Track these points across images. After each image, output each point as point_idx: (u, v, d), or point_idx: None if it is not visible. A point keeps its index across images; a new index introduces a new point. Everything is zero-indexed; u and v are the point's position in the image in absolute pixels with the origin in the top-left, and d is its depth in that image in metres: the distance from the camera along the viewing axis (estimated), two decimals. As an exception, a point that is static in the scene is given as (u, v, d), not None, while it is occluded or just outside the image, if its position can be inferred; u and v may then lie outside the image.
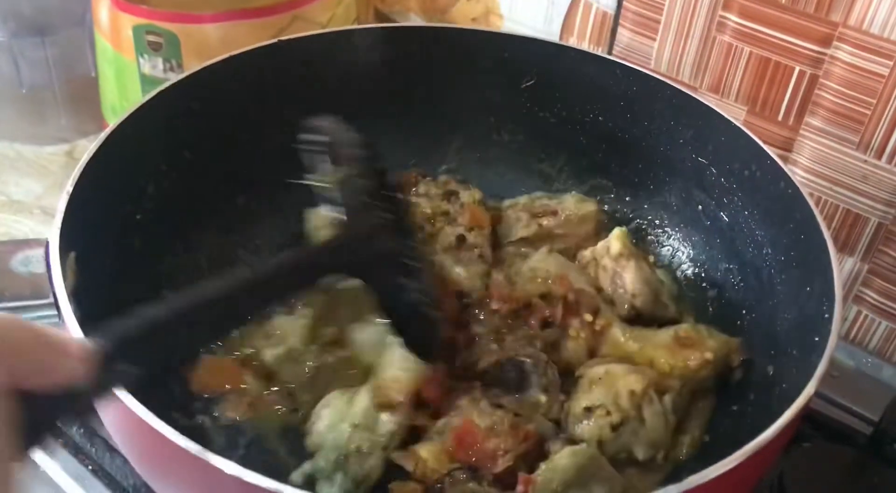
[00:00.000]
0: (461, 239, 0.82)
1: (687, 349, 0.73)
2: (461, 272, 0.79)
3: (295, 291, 0.65)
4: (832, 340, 0.59)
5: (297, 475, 0.63)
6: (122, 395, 0.51)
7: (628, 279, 0.78)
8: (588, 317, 0.75)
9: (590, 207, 0.88)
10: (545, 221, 0.86)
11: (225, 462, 0.48)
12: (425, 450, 0.63)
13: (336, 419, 0.64)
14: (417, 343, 0.69)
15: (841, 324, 0.61)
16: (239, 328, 0.70)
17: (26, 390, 0.40)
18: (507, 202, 0.90)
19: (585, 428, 0.68)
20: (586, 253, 0.84)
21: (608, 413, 0.67)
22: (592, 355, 0.75)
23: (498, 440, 0.62)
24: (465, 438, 0.61)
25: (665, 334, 0.76)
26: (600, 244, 0.82)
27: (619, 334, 0.75)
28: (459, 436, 0.62)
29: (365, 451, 0.62)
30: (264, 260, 0.68)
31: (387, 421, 0.64)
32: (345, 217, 0.65)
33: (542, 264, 0.79)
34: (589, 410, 0.68)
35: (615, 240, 0.80)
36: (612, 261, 0.79)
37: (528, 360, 0.70)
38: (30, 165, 1.18)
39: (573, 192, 0.90)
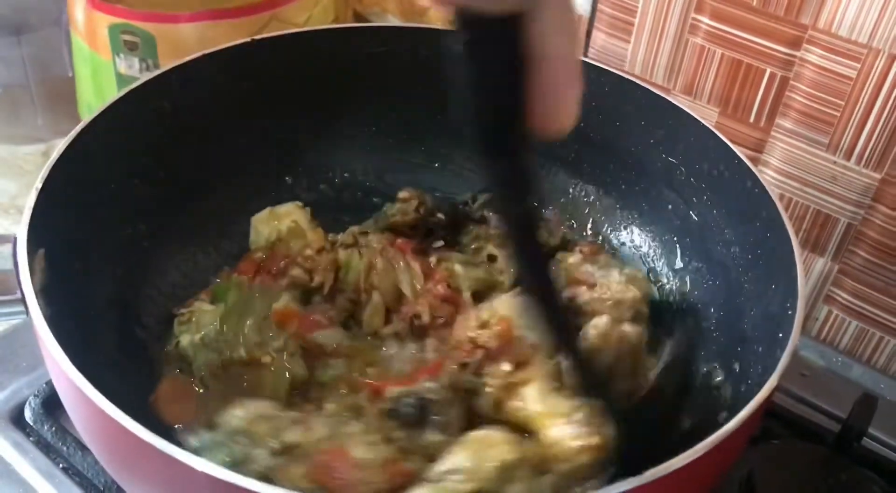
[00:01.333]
0: None
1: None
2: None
3: None
4: (795, 334, 0.60)
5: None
6: (89, 391, 0.51)
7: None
8: (506, 366, 0.68)
9: (635, 292, 0.79)
10: (581, 295, 0.78)
11: (193, 458, 0.48)
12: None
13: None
14: None
15: (804, 318, 0.62)
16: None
17: None
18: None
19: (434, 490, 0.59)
20: None
21: (463, 481, 0.58)
22: (499, 409, 0.68)
23: (363, 474, 0.59)
24: (331, 464, 0.59)
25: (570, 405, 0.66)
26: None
27: (533, 394, 0.66)
28: (325, 462, 0.59)
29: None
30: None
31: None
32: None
33: (498, 304, 0.73)
34: (447, 472, 0.59)
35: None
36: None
37: (432, 397, 0.66)
38: (5, 164, 1.18)
39: (624, 270, 0.83)
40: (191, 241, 0.81)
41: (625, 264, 0.86)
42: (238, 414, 0.61)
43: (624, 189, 0.90)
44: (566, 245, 0.88)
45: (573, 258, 0.83)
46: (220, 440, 0.59)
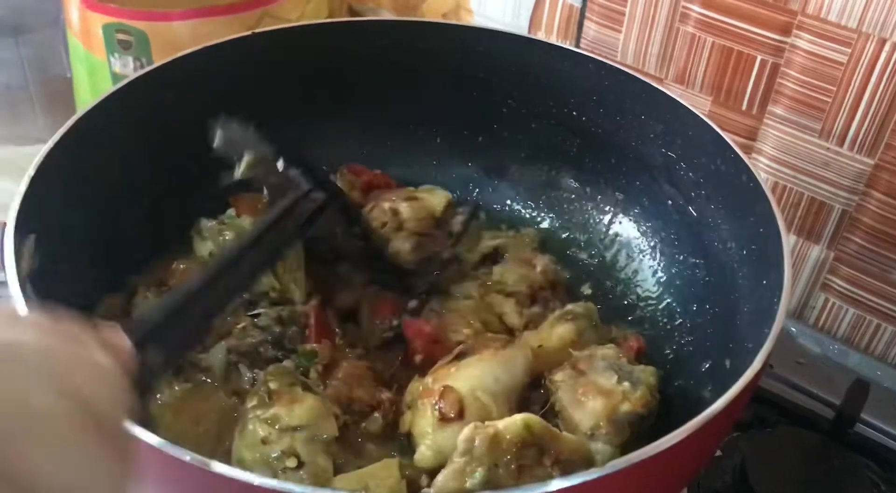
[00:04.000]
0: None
1: None
2: None
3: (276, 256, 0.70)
4: (777, 325, 0.60)
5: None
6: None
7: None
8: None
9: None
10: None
11: (181, 451, 0.48)
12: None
13: None
14: (390, 281, 0.78)
15: (790, 299, 0.62)
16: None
17: None
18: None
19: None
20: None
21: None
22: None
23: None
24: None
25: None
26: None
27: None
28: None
29: None
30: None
31: None
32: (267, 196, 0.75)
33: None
34: None
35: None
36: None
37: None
38: (5, 165, 1.18)
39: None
40: (183, 233, 0.81)
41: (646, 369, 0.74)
42: None
43: (624, 183, 0.90)
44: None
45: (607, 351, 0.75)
46: None
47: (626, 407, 0.68)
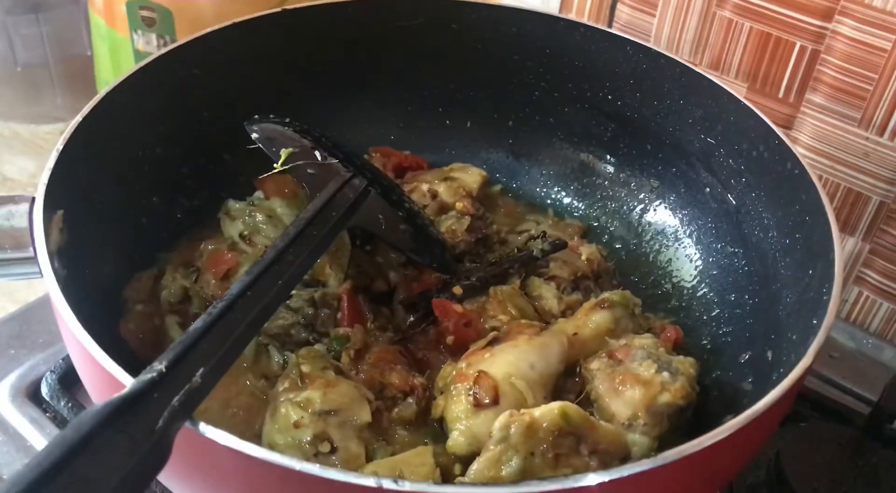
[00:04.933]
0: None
1: None
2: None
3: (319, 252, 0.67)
4: (829, 319, 0.58)
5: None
6: (102, 358, 0.50)
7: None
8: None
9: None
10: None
11: (207, 428, 0.47)
12: None
13: None
14: (434, 263, 0.76)
15: (839, 303, 0.60)
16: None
17: None
18: None
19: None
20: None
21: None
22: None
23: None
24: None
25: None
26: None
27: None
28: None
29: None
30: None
31: None
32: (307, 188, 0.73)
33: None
34: None
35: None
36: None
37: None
38: (25, 143, 1.18)
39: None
40: (212, 213, 0.80)
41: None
42: None
43: (661, 170, 0.88)
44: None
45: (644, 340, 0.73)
46: None
47: (665, 398, 0.66)
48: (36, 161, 1.15)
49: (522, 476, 0.59)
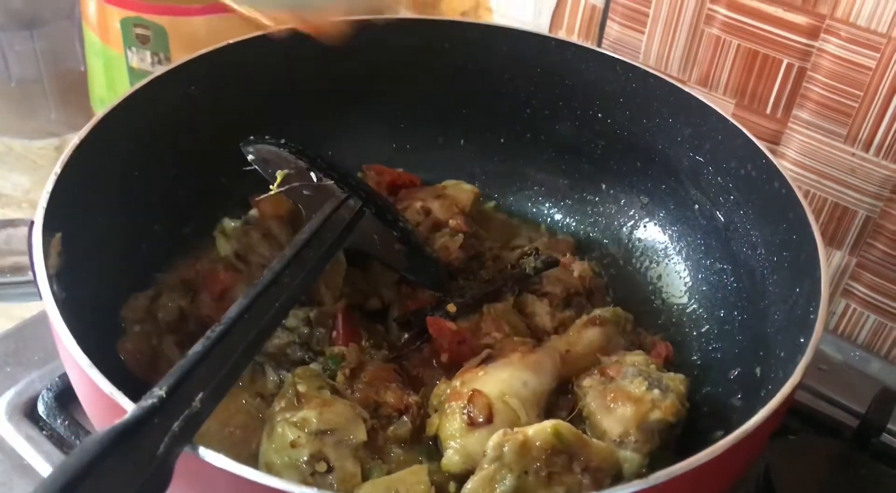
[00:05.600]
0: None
1: None
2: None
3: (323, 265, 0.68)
4: (815, 337, 0.59)
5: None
6: (99, 379, 0.51)
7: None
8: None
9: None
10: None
11: (208, 453, 0.48)
12: None
13: None
14: (429, 281, 0.77)
15: (826, 321, 0.61)
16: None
17: None
18: None
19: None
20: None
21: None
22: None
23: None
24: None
25: None
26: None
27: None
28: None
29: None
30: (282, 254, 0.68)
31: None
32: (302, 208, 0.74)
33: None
34: None
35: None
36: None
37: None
38: (18, 159, 1.18)
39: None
40: (207, 232, 0.81)
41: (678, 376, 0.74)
42: None
43: (650, 187, 0.89)
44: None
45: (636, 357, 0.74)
46: None
47: (656, 415, 0.67)
48: (30, 177, 1.15)
49: None
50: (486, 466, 0.61)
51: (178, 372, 0.49)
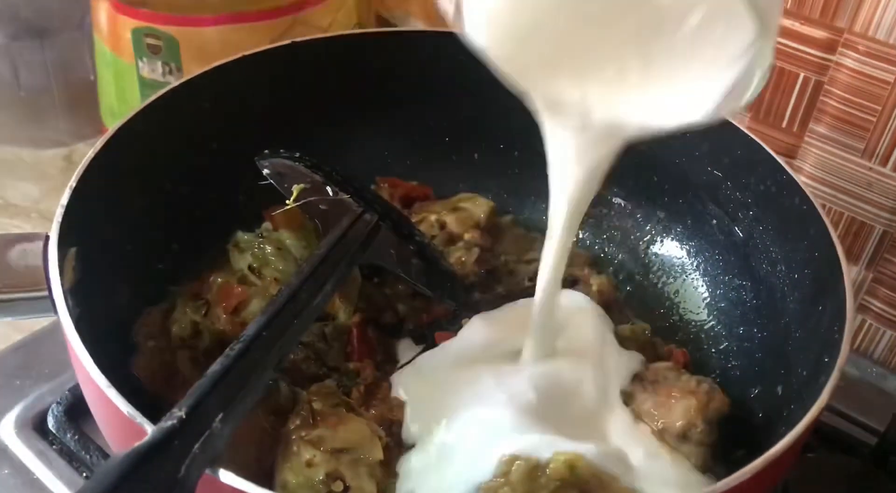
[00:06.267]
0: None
1: None
2: None
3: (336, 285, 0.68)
4: (842, 358, 0.58)
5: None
6: (115, 397, 0.50)
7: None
8: None
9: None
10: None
11: (234, 478, 0.47)
12: None
13: None
14: (445, 295, 0.77)
15: (851, 341, 0.60)
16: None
17: None
18: None
19: None
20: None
21: None
22: None
23: None
24: None
25: None
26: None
27: None
28: None
29: None
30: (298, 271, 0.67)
31: None
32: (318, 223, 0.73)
33: None
34: None
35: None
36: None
37: None
38: (28, 168, 1.17)
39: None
40: (221, 246, 0.80)
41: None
42: None
43: (667, 202, 0.88)
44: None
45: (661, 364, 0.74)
46: None
47: (716, 404, 0.68)
48: (38, 186, 1.15)
49: None
50: (490, 478, 0.61)
51: (197, 392, 0.48)
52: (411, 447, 0.67)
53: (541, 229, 0.93)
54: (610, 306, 0.81)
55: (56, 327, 0.87)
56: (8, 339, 0.90)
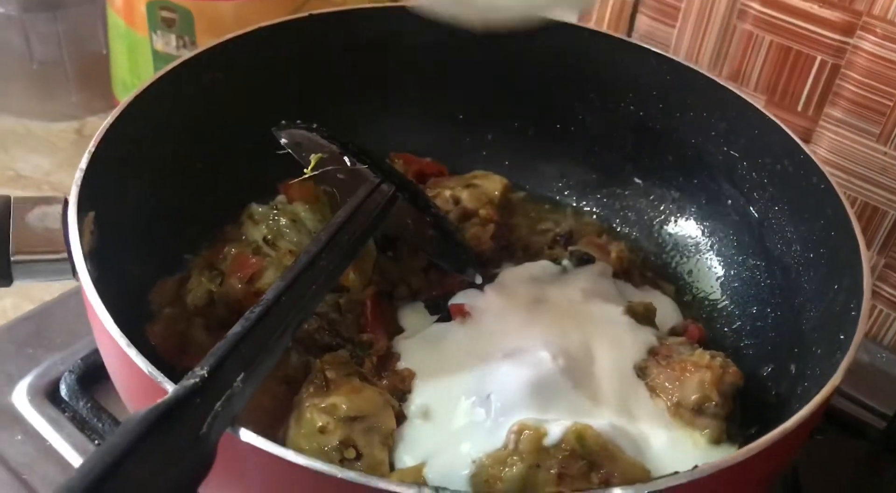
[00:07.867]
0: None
1: None
2: None
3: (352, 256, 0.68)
4: (858, 334, 0.58)
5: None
6: (136, 356, 0.50)
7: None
8: None
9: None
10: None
11: (254, 437, 0.47)
12: None
13: None
14: (460, 267, 0.77)
15: (868, 319, 0.60)
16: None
17: None
18: None
19: None
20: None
21: None
22: None
23: None
24: None
25: None
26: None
27: None
28: None
29: None
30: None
31: None
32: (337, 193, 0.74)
33: None
34: None
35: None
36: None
37: None
38: (39, 141, 1.17)
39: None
40: (231, 213, 0.80)
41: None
42: None
43: (682, 181, 0.88)
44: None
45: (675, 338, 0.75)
46: None
47: (730, 378, 0.68)
48: (49, 159, 1.14)
49: (522, 484, 0.60)
50: (500, 446, 0.61)
51: (219, 353, 0.48)
52: (420, 416, 0.67)
53: (553, 203, 0.94)
54: (629, 270, 0.81)
55: (67, 298, 0.88)
56: (20, 308, 0.90)
